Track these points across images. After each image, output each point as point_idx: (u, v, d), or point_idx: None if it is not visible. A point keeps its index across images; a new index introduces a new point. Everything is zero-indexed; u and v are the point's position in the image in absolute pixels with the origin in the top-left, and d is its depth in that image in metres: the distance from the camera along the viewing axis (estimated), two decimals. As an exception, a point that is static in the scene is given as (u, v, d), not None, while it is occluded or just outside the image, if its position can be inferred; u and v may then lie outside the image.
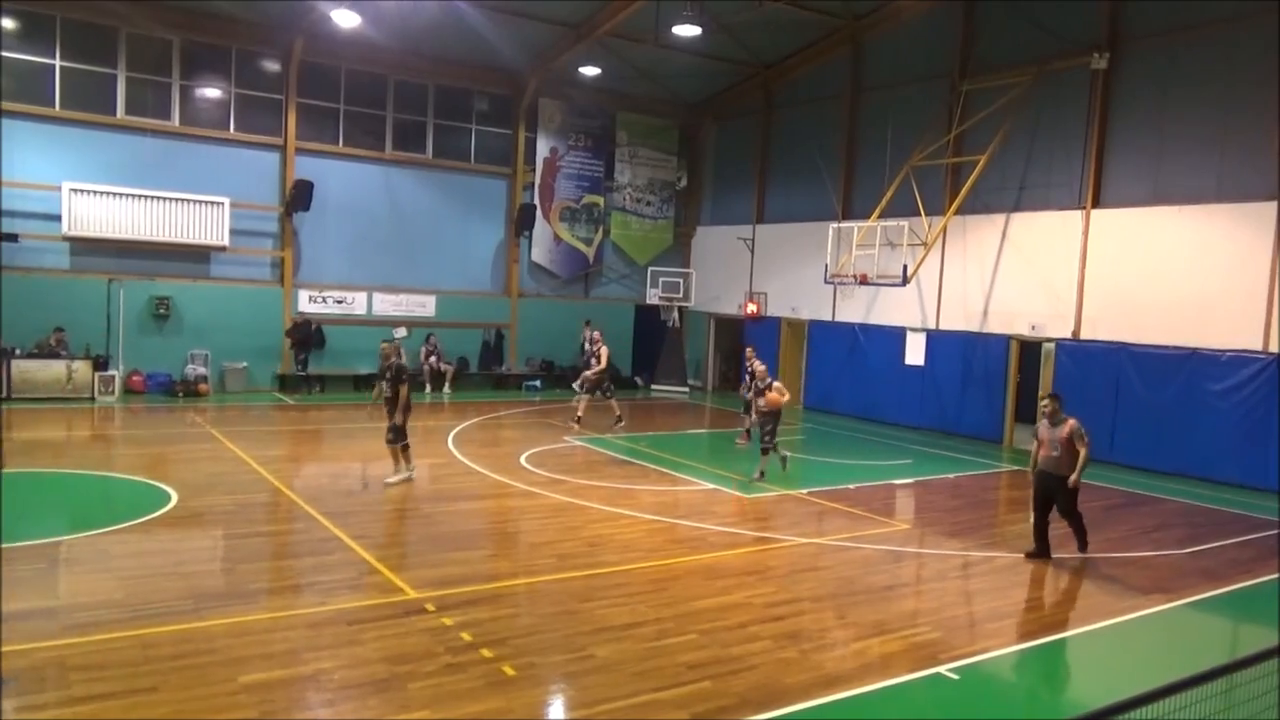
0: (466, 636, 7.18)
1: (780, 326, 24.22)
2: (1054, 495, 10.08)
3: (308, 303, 22.21)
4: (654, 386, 26.23)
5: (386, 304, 23.29)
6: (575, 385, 19.13)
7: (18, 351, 18.37)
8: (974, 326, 19.64)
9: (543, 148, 25.13)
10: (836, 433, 19.79)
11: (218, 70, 21.06)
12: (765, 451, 14.07)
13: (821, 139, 23.43)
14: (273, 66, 21.54)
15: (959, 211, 19.30)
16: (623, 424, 17.94)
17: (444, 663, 6.70)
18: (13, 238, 18.62)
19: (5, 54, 18.77)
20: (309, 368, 21.69)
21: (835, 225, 20.58)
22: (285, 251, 21.88)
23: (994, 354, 19.26)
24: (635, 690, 6.41)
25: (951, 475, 15.35)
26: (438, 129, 23.83)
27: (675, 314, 26.44)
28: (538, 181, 25.13)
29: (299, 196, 21.26)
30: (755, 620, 7.93)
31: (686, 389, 26.04)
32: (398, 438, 12.57)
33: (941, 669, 7.04)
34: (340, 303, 22.66)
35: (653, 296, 26.29)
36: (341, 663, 6.65)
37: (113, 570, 8.44)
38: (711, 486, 13.43)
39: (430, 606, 7.82)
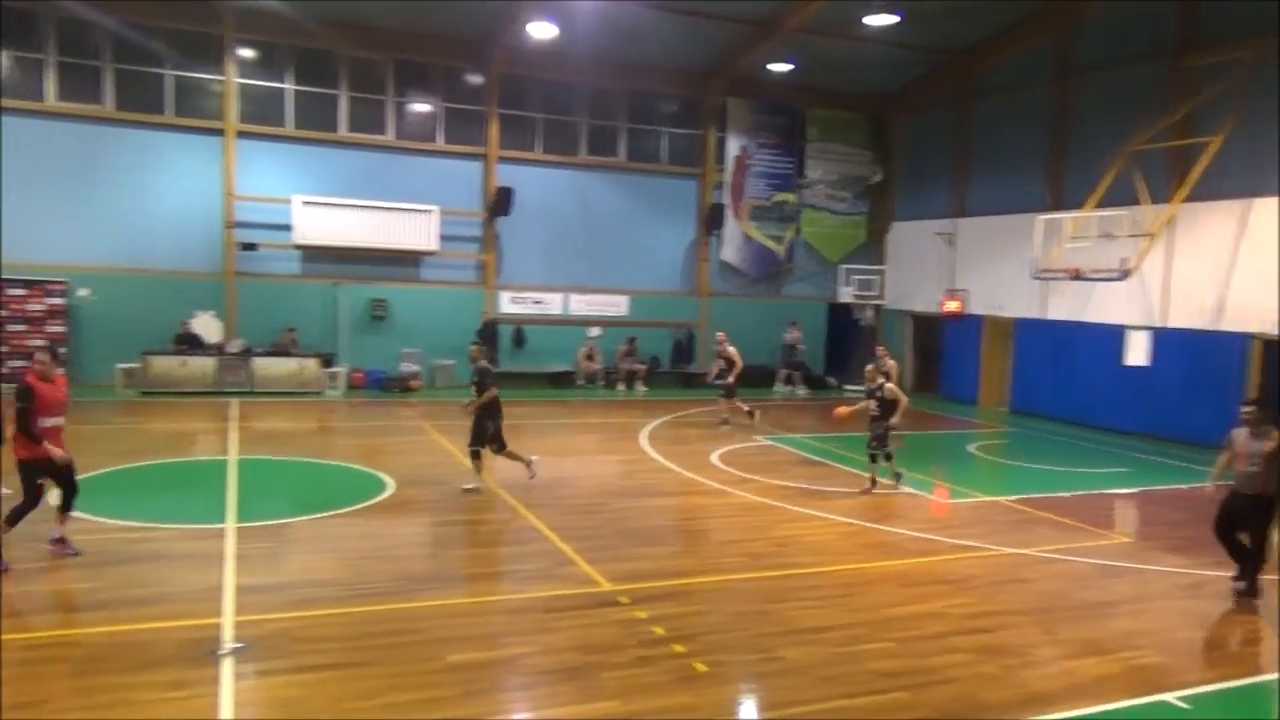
0: (658, 631, 7.25)
1: (982, 325, 23.04)
2: (1242, 518, 8.64)
3: (509, 303, 23.25)
4: (847, 386, 25.60)
5: (581, 304, 24.00)
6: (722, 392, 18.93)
7: (257, 350, 20.27)
8: (1206, 324, 17.88)
9: (733, 147, 25.10)
10: (1043, 437, 18.59)
11: (427, 87, 22.45)
12: (881, 459, 12.83)
13: (1026, 126, 22.09)
14: (476, 80, 22.70)
15: (1188, 199, 17.65)
16: (752, 414, 18.08)
17: (635, 655, 6.79)
18: (252, 247, 20.63)
19: (244, 81, 20.78)
20: (496, 366, 22.67)
21: (1043, 217, 19.33)
22: (488, 255, 23.00)
23: (1228, 354, 17.45)
24: (826, 695, 6.26)
25: (1179, 486, 14.02)
26: (630, 133, 24.32)
27: (869, 312, 25.71)
28: (728, 181, 25.13)
29: (500, 203, 22.30)
30: (953, 631, 7.56)
31: (881, 389, 25.23)
32: (478, 441, 11.77)
33: (1168, 696, 6.44)
34: (538, 303, 23.58)
35: (845, 294, 25.70)
36: (537, 649, 6.88)
37: (334, 551, 9.13)
38: (908, 490, 12.94)
39: (623, 599, 7.95)
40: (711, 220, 24.83)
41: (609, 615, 7.60)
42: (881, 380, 12.76)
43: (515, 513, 10.94)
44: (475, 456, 11.88)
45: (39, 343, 19.00)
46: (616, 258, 24.29)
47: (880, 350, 16.38)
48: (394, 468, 12.94)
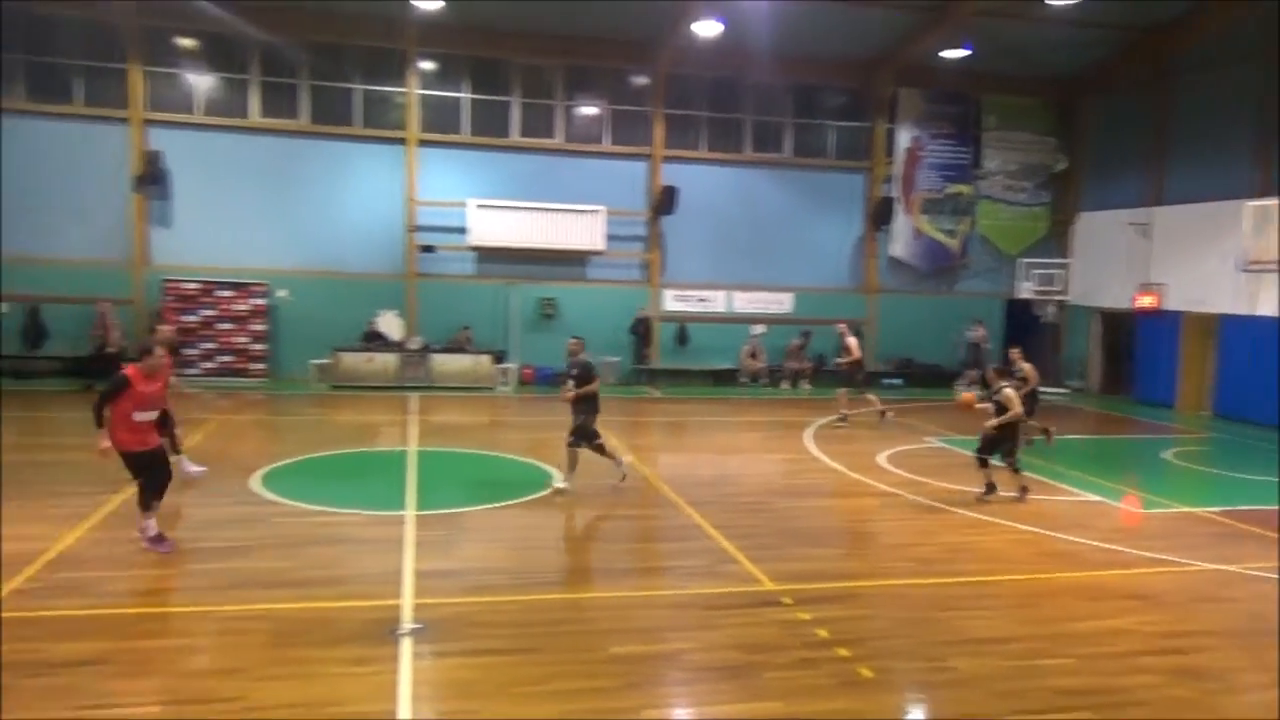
0: (822, 633, 7.11)
1: (1181, 322, 21.31)
2: None
3: (672, 301, 23.43)
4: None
5: (744, 302, 23.87)
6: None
7: (435, 347, 21.32)
8: None
9: (903, 138, 24.31)
10: (1252, 444, 17.01)
11: (594, 90, 22.95)
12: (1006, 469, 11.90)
13: (1230, 105, 20.24)
14: (641, 81, 23.00)
15: None
16: (890, 415, 17.62)
17: (798, 656, 6.68)
18: (430, 249, 21.70)
19: (425, 92, 21.87)
20: (649, 363, 22.93)
21: (1252, 204, 17.67)
22: (652, 254, 23.26)
23: None
24: (999, 710, 5.95)
25: None
26: (795, 128, 23.99)
27: (1051, 308, 24.30)
28: (898, 174, 24.36)
29: (665, 202, 22.50)
30: (1144, 650, 7.03)
31: (1065, 390, 23.77)
32: (578, 440, 11.43)
33: (1400, 734, 5.75)
34: (701, 301, 23.64)
35: (1025, 290, 24.39)
36: (699, 645, 6.88)
37: (504, 541, 9.46)
38: (1094, 498, 12.14)
39: (786, 600, 7.84)
40: (880, 215, 24.14)
41: (771, 615, 7.52)
42: (1002, 385, 11.81)
43: (677, 509, 10.99)
44: (594, 449, 11.54)
45: (242, 340, 20.74)
46: (781, 254, 24.00)
47: (1014, 353, 15.42)
48: (560, 461, 13.23)
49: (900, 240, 24.61)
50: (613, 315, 22.61)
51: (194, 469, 11.49)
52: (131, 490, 8.83)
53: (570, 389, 11.46)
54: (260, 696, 5.80)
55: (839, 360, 18.42)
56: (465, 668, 6.35)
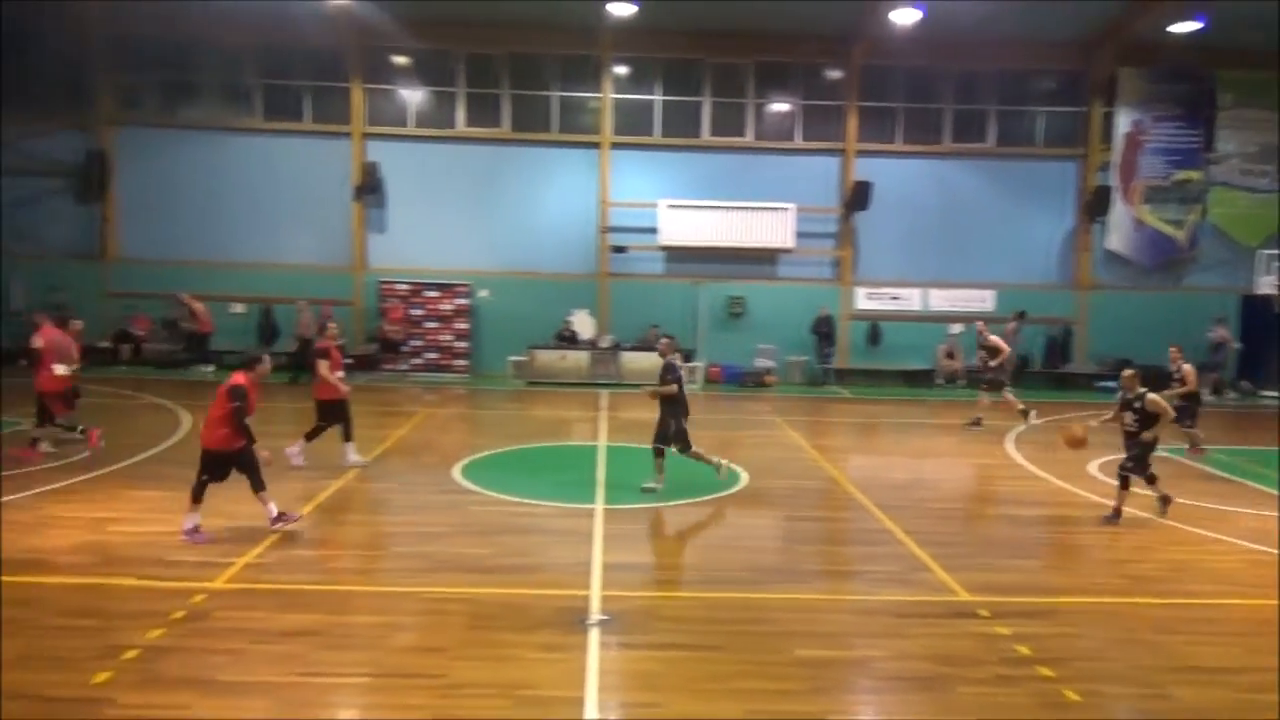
0: (1022, 650, 6.69)
1: None
2: None
3: (864, 299, 22.81)
4: (1266, 392, 21.98)
5: (941, 300, 22.90)
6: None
7: (625, 345, 21.76)
8: None
9: (1122, 122, 22.52)
10: None
11: (785, 86, 22.72)
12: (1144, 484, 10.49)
13: None
14: (834, 75, 22.53)
15: None
16: (1033, 416, 16.42)
17: (995, 673, 6.32)
18: (622, 250, 22.17)
19: (619, 96, 22.36)
20: (831, 361, 22.36)
21: None
22: (844, 251, 22.74)
23: None
24: (1230, 747, 5.40)
25: None
26: (999, 115, 22.77)
27: (1297, 305, 21.84)
28: (1116, 161, 22.61)
29: (858, 197, 21.95)
30: None
31: (1312, 397, 21.31)
32: (657, 442, 11.22)
33: None
34: (895, 299, 22.87)
35: (1266, 285, 21.98)
36: (888, 653, 6.65)
37: (690, 537, 9.53)
38: (1346, 517, 10.79)
39: (983, 612, 7.45)
40: (1095, 205, 22.49)
41: (966, 627, 7.16)
42: (1143, 390, 10.41)
43: (867, 512, 10.68)
44: (658, 455, 11.28)
45: (447, 337, 21.94)
46: (981, 250, 22.84)
47: (1174, 352, 13.99)
48: (747, 460, 13.20)
49: (1118, 232, 22.83)
50: (801, 313, 22.27)
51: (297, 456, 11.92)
52: (351, 475, 9.49)
53: (654, 387, 11.42)
54: (459, 675, 6.10)
55: (990, 362, 17.12)
56: (650, 660, 6.42)
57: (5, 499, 9.85)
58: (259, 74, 22.06)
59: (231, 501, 9.30)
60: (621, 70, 22.51)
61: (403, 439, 14.15)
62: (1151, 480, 10.35)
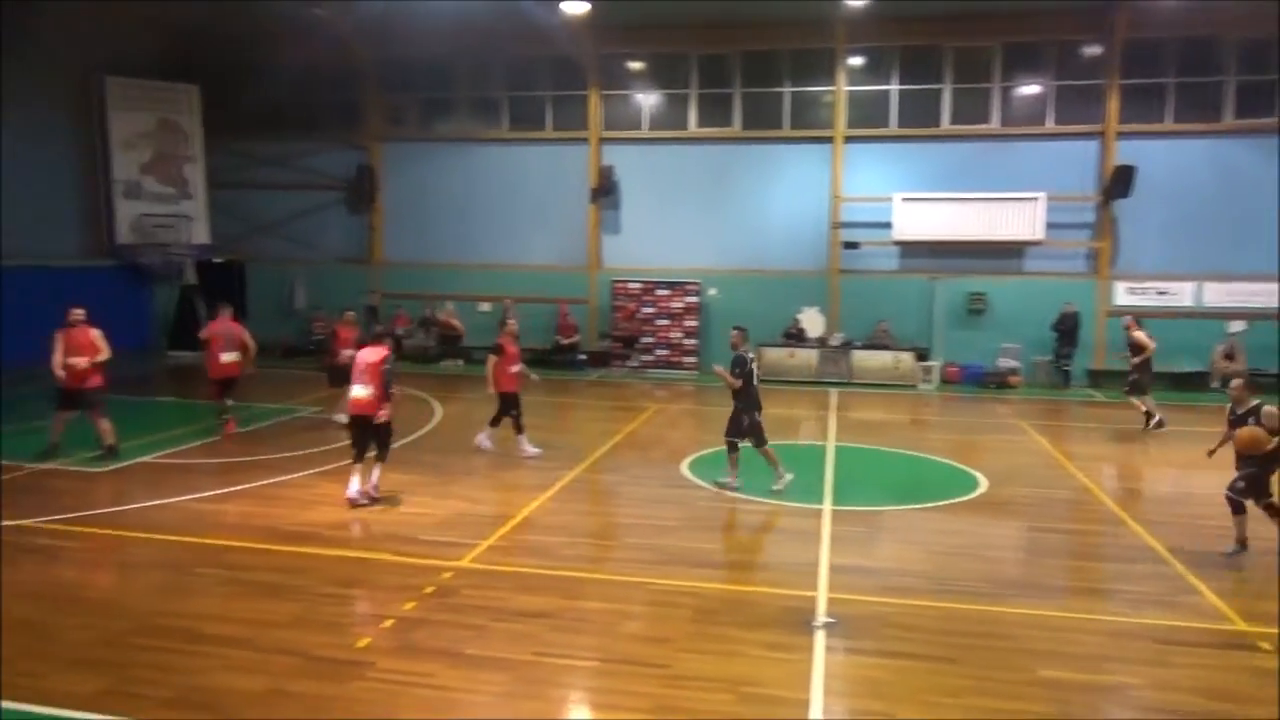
0: (1312, 690, 5.89)
1: None
2: None
3: (1124, 294, 20.90)
4: None
5: (1218, 294, 20.54)
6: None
7: (856, 343, 21.21)
8: None
9: None
10: None
11: (1036, 66, 21.19)
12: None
13: None
14: (1092, 51, 20.78)
15: None
16: (1160, 424, 15.24)
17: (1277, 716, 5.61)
18: (854, 245, 21.60)
19: (853, 88, 21.81)
20: (1070, 362, 20.61)
21: None
22: (1102, 242, 20.95)
23: None
24: None
25: None
26: (1292, 86, 20.11)
27: None
28: None
29: (1119, 183, 20.13)
30: None
31: None
32: (737, 435, 10.96)
33: None
34: (1161, 294, 20.77)
35: None
36: (1147, 682, 6.07)
37: (922, 543, 9.12)
38: None
39: (1265, 645, 6.64)
40: None
41: (1242, 660, 6.40)
42: (1257, 402, 8.71)
43: (1124, 527, 9.80)
44: (731, 450, 11.07)
45: (676, 335, 22.34)
46: (1267, 239, 20.24)
47: None
48: (987, 466, 12.49)
49: None
50: (1049, 310, 20.69)
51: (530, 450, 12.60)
52: (584, 466, 9.86)
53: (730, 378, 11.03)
54: (684, 667, 6.19)
55: (1133, 360, 15.56)
56: (878, 668, 6.23)
57: (286, 478, 11.09)
58: (505, 87, 23.45)
59: (475, 488, 9.96)
60: (856, 61, 21.93)
61: (633, 433, 14.55)
62: (1274, 511, 8.66)
